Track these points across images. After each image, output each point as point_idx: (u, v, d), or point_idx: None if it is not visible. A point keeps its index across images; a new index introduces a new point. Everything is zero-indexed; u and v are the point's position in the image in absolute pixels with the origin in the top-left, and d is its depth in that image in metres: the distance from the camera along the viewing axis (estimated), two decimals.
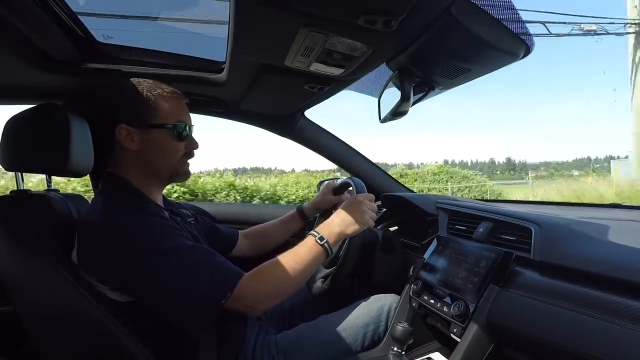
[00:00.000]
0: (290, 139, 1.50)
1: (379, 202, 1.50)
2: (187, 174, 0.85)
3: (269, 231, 1.19)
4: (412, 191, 1.62)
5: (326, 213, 1.23)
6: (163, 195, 0.89)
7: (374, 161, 1.59)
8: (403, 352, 0.86)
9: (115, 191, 0.76)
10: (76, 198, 0.89)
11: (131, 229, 0.68)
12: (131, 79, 0.79)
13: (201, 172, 5.13)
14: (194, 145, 0.84)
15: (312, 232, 0.81)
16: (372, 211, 0.86)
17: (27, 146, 0.75)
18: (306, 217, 1.20)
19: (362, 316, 0.95)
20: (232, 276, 0.70)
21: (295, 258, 0.75)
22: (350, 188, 1.05)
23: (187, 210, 0.98)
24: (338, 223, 0.82)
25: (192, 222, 0.94)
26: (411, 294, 0.98)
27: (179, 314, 0.69)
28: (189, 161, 0.85)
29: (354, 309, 0.98)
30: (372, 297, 1.02)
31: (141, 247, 0.66)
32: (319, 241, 0.78)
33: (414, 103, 0.90)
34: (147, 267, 0.66)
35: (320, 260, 0.79)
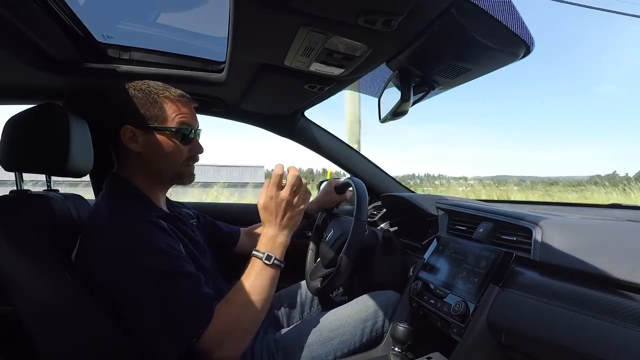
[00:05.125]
0: (290, 139, 1.50)
1: (379, 203, 1.50)
2: (192, 176, 0.84)
3: None
4: (412, 191, 1.62)
5: (329, 212, 1.23)
6: (166, 197, 0.89)
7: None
8: (403, 352, 0.86)
9: (119, 194, 0.76)
10: (76, 198, 0.89)
11: (131, 240, 0.67)
12: (139, 81, 0.78)
13: None
14: (199, 149, 0.83)
15: (255, 252, 0.74)
16: (293, 191, 0.74)
17: (27, 146, 0.75)
18: (309, 216, 1.20)
19: (360, 312, 0.95)
20: (203, 317, 0.65)
21: (250, 290, 0.70)
22: (351, 188, 1.05)
23: (189, 210, 0.98)
24: (274, 233, 0.74)
25: (194, 223, 0.94)
26: (411, 294, 0.98)
27: (151, 336, 0.66)
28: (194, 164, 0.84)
29: (352, 305, 0.98)
30: (369, 294, 1.02)
31: (135, 261, 0.65)
32: (267, 261, 0.72)
33: (414, 103, 0.90)
34: (134, 284, 0.65)
35: (276, 278, 0.74)
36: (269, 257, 0.72)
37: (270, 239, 0.74)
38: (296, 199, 0.75)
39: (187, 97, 0.81)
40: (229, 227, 1.12)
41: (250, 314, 0.69)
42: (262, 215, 0.76)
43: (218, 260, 0.93)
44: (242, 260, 0.81)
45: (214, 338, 0.65)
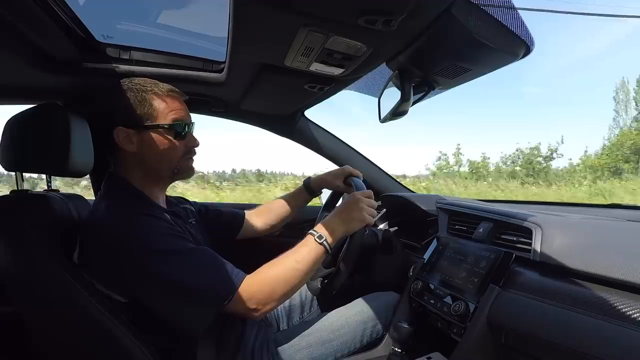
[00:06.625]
0: (290, 139, 1.50)
1: (379, 203, 1.50)
2: (190, 170, 0.84)
3: (277, 206, 1.17)
4: (412, 191, 1.62)
5: (330, 205, 1.21)
6: (166, 195, 0.89)
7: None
8: (403, 352, 0.86)
9: (118, 193, 0.76)
10: (76, 198, 0.89)
11: (135, 232, 0.68)
12: (126, 79, 0.78)
13: None
14: (194, 143, 0.83)
15: (311, 231, 0.80)
16: (370, 208, 0.84)
17: (27, 146, 0.75)
18: (313, 191, 1.18)
19: (361, 313, 0.95)
20: (234, 278, 0.70)
21: (296, 258, 0.75)
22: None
23: (192, 206, 0.98)
24: (337, 222, 0.81)
25: (194, 222, 0.94)
26: (411, 294, 0.98)
27: (178, 315, 0.70)
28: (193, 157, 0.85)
29: (353, 306, 0.98)
30: (370, 295, 1.02)
31: (144, 249, 0.66)
32: (317, 240, 0.77)
33: (414, 103, 0.90)
34: (149, 269, 0.66)
35: (321, 259, 0.79)
36: (320, 237, 0.78)
37: (328, 224, 0.81)
38: (366, 213, 0.83)
39: (177, 91, 0.80)
40: (230, 211, 1.12)
41: (290, 276, 0.74)
42: (340, 206, 0.86)
43: (224, 250, 0.93)
44: (247, 246, 0.81)
45: (247, 295, 0.69)
